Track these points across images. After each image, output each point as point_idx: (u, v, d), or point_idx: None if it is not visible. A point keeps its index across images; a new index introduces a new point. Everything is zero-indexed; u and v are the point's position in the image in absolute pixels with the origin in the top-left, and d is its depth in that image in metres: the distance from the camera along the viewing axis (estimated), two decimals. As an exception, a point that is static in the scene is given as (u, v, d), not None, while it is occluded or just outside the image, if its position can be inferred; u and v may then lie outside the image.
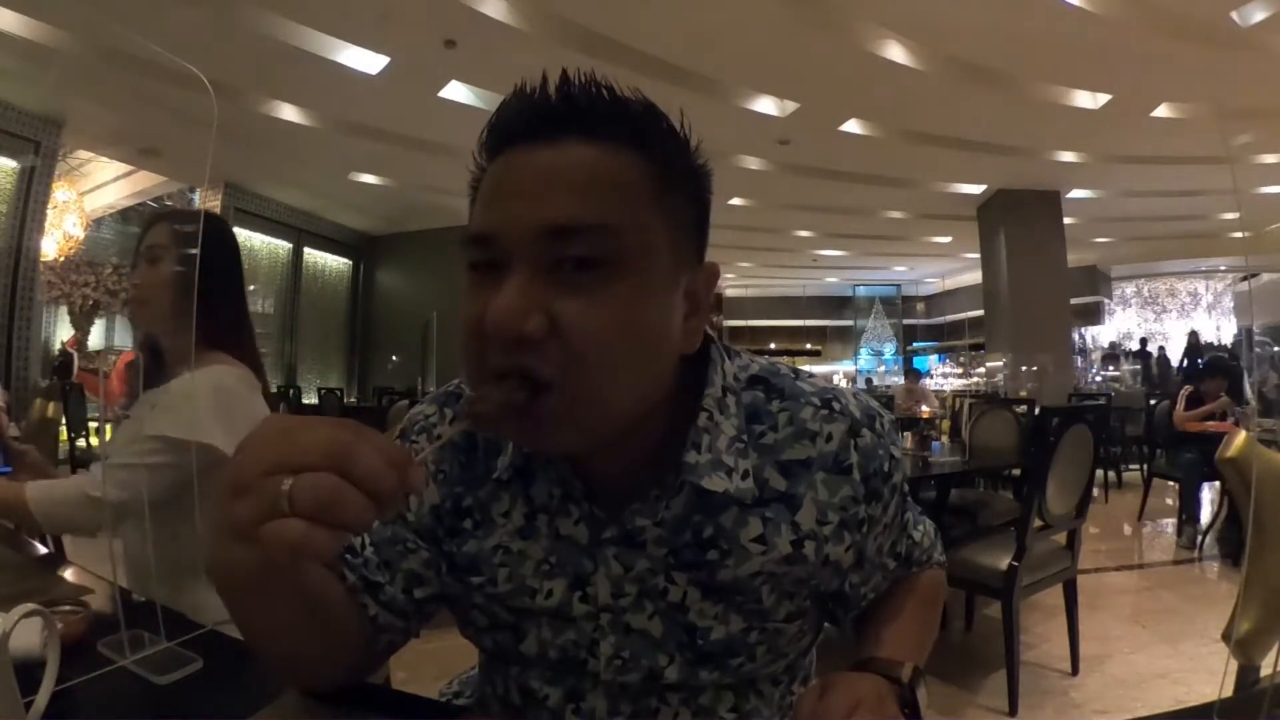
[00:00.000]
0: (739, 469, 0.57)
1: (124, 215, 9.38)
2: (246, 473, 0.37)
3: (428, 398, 0.71)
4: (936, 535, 0.76)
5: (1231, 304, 13.46)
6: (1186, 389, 4.60)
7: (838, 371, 15.00)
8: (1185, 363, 10.90)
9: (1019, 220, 7.92)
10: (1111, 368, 12.29)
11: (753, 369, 0.63)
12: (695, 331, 0.55)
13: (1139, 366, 11.99)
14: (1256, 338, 9.46)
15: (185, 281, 1.12)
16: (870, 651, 0.65)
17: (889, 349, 15.13)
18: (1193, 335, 12.44)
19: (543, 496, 0.60)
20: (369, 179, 7.56)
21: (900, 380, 9.99)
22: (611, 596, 0.59)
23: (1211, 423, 4.30)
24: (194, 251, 1.05)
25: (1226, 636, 1.10)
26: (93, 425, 5.13)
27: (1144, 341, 12.75)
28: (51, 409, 2.04)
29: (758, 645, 0.61)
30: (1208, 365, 4.90)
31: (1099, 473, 4.83)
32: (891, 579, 0.71)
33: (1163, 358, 12.03)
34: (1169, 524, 4.59)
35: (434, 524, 0.64)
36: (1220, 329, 13.40)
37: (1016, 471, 3.58)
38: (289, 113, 5.78)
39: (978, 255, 8.79)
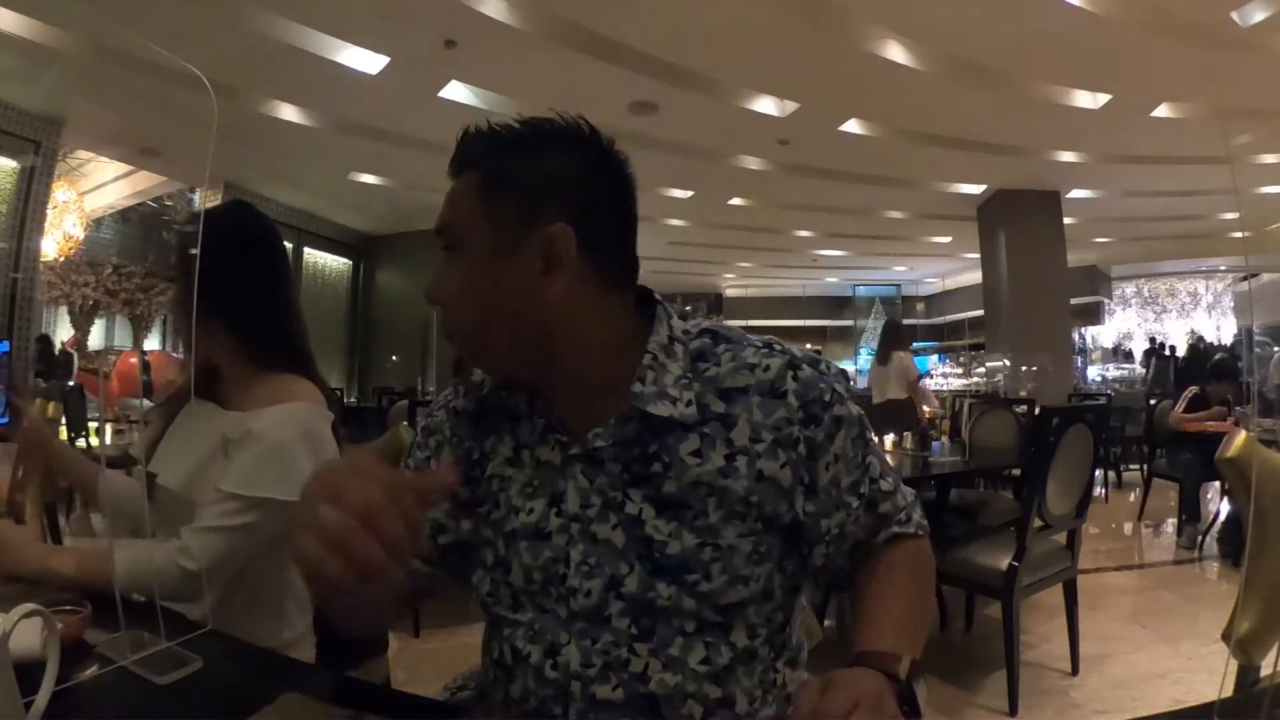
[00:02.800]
0: (683, 399, 0.69)
1: (124, 215, 9.38)
2: (311, 497, 0.51)
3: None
4: (915, 500, 0.79)
5: (1231, 304, 13.44)
6: (1191, 389, 4.59)
7: (838, 371, 14.96)
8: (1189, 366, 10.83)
9: (1019, 220, 7.90)
10: (1150, 363, 12.10)
11: (705, 324, 0.75)
12: (557, 283, 0.67)
13: (1143, 368, 11.95)
14: (1256, 338, 9.45)
15: (203, 296, 1.04)
16: (868, 643, 0.66)
17: (889, 349, 15.10)
18: (1199, 340, 12.36)
19: (526, 433, 0.75)
20: (369, 179, 7.56)
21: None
22: (580, 507, 0.70)
23: (1211, 423, 4.29)
24: (196, 252, 1.00)
25: (1226, 636, 1.10)
26: (93, 425, 5.13)
27: (1163, 345, 12.73)
28: (51, 409, 2.04)
29: (712, 563, 0.67)
30: (1214, 368, 4.87)
31: (1099, 473, 4.83)
32: (865, 531, 0.74)
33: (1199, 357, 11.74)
34: (1169, 524, 4.59)
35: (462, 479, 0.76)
36: (1220, 329, 13.38)
37: (1016, 471, 3.58)
38: (289, 113, 5.77)
39: (978, 255, 8.77)
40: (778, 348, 0.72)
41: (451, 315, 0.70)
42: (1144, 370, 12.08)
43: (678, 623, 0.68)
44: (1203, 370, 5.10)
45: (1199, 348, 11.73)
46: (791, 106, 5.75)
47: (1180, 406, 4.52)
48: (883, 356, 5.70)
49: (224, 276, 1.07)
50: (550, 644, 0.71)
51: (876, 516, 0.75)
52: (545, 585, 0.71)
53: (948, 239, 10.30)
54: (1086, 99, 5.56)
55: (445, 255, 0.71)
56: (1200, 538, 4.07)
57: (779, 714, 0.74)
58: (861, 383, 12.55)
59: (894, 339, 5.75)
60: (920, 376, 5.61)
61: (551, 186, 0.68)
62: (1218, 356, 5.54)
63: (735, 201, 8.50)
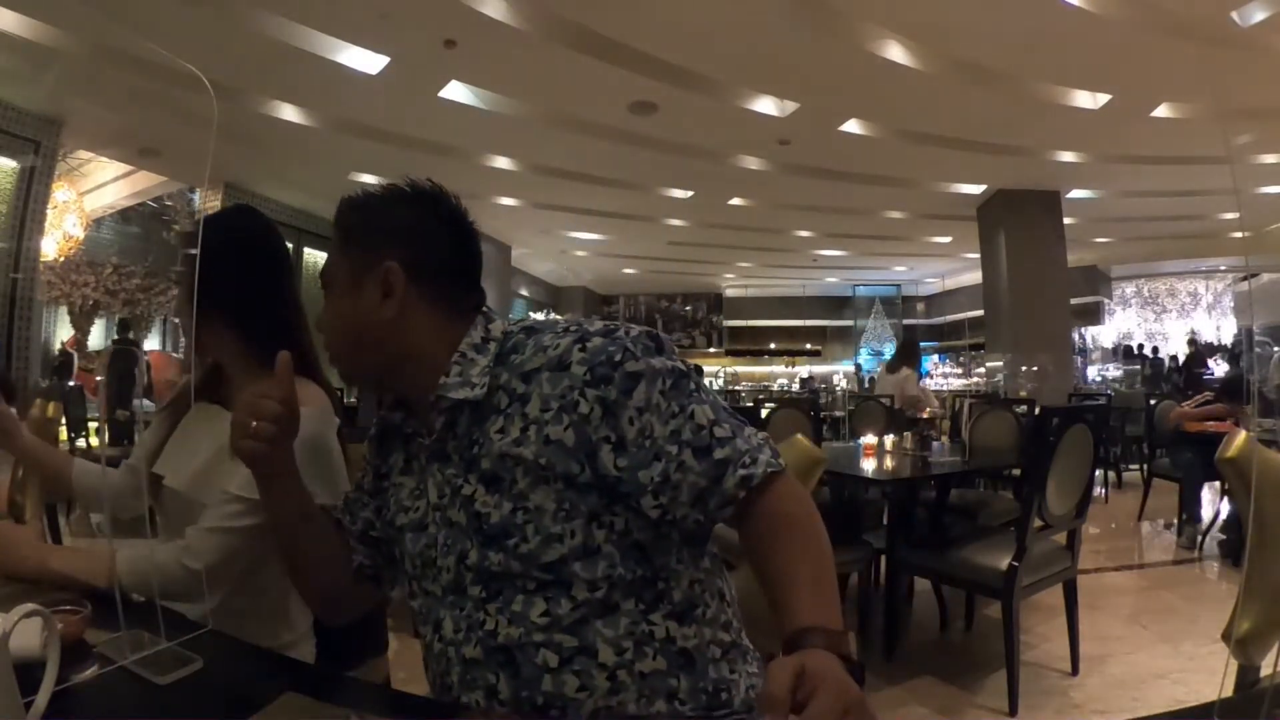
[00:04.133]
0: (480, 383, 0.80)
1: (124, 215, 9.37)
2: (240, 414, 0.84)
3: None
4: (765, 443, 0.78)
5: (1231, 304, 13.44)
6: (1207, 394, 4.59)
7: (838, 371, 14.97)
8: (1184, 371, 10.77)
9: (1019, 220, 7.91)
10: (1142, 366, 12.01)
11: (526, 323, 0.86)
12: (391, 306, 0.83)
13: (1140, 368, 11.95)
14: (1256, 338, 9.44)
15: (202, 297, 1.04)
16: (806, 617, 0.65)
17: (889, 349, 15.11)
18: (1194, 343, 12.36)
19: (413, 445, 0.89)
20: (369, 179, 7.56)
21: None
22: (438, 498, 0.83)
23: (1211, 423, 4.29)
24: (195, 253, 1.00)
25: (1226, 636, 1.09)
26: (93, 425, 5.13)
27: (1154, 349, 12.75)
28: (51, 409, 2.04)
29: (525, 525, 0.76)
30: (1230, 385, 4.85)
31: (1099, 473, 4.83)
32: (705, 479, 0.74)
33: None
34: (1169, 524, 4.59)
35: (374, 487, 0.94)
36: (1220, 329, 13.39)
37: (1016, 471, 3.58)
38: (289, 113, 5.77)
39: (978, 255, 8.77)
40: (573, 329, 0.81)
41: (327, 341, 0.89)
42: (1140, 369, 12.11)
43: (519, 583, 0.76)
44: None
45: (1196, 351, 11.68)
46: (791, 106, 5.75)
47: (1190, 405, 4.52)
48: (893, 366, 6.19)
49: (229, 280, 1.08)
50: (436, 621, 0.82)
51: (713, 462, 0.75)
52: (425, 569, 0.84)
53: (948, 239, 10.30)
54: (1086, 99, 5.56)
55: (324, 295, 0.89)
56: (1200, 538, 4.07)
57: (678, 672, 0.77)
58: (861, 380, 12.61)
59: (908, 356, 6.37)
60: (915, 396, 5.80)
61: (388, 233, 0.86)
62: (1229, 373, 5.53)
63: (735, 201, 8.49)
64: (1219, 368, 10.96)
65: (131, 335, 7.89)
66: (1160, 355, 12.56)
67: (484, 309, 0.88)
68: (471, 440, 0.80)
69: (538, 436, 0.76)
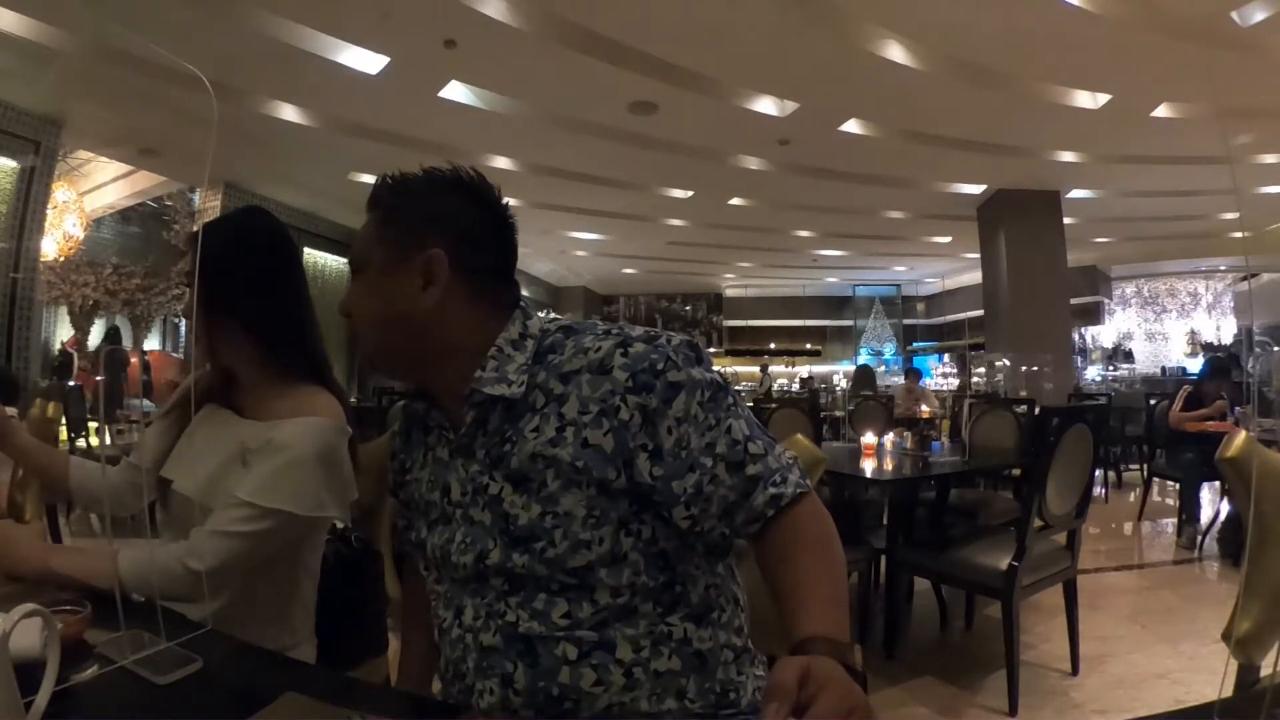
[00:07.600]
0: (517, 381, 0.80)
1: (124, 215, 9.38)
2: None
3: None
4: (794, 463, 0.79)
5: (1231, 304, 13.44)
6: (1186, 388, 4.60)
7: (837, 371, 14.96)
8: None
9: (1019, 220, 7.90)
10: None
11: (564, 323, 0.86)
12: (433, 295, 0.82)
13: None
14: (1256, 338, 9.44)
15: (209, 301, 1.05)
16: (815, 626, 0.66)
17: (889, 349, 15.10)
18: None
19: (433, 437, 0.89)
20: (369, 179, 7.53)
21: (900, 380, 9.97)
22: (460, 495, 0.83)
23: (1211, 423, 4.29)
24: (201, 255, 0.98)
25: (1226, 636, 1.10)
26: (92, 425, 5.13)
27: (1128, 352, 12.81)
28: (51, 409, 2.04)
29: (554, 529, 0.75)
30: (1208, 365, 4.89)
31: (1099, 473, 4.83)
32: (735, 493, 0.75)
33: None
34: (1169, 524, 4.59)
35: (395, 486, 0.96)
36: (1220, 329, 13.38)
37: (1016, 471, 3.58)
38: (289, 113, 5.77)
39: (978, 255, 8.77)
40: (615, 332, 0.81)
41: (354, 324, 0.86)
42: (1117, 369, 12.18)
43: (543, 584, 0.76)
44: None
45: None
46: (791, 106, 5.75)
47: (1178, 404, 4.53)
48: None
49: (244, 283, 1.08)
50: (458, 607, 0.82)
51: (744, 478, 0.75)
52: (444, 560, 0.84)
53: (948, 239, 10.30)
54: (1086, 99, 5.56)
55: (352, 276, 0.87)
56: (1200, 538, 4.07)
57: (690, 673, 0.78)
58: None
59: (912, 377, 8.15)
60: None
61: (433, 221, 0.84)
62: (1212, 355, 5.56)
63: (735, 201, 8.49)
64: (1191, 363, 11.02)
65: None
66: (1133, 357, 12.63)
67: (521, 305, 0.87)
68: (503, 438, 0.79)
69: (575, 439, 0.76)
